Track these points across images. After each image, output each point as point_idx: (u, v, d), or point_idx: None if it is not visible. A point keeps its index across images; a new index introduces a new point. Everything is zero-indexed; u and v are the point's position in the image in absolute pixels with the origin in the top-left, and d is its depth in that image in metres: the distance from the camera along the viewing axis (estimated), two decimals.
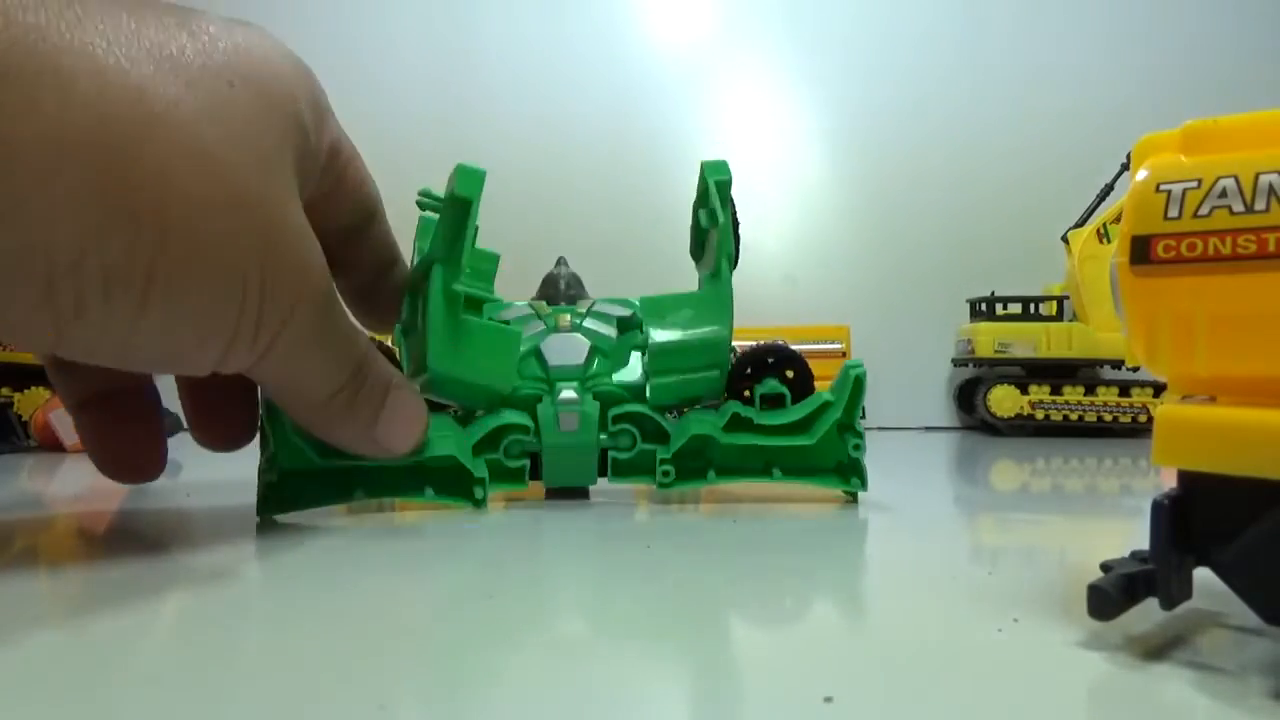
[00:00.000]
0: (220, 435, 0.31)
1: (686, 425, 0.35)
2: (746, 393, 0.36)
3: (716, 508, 0.37)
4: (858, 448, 0.35)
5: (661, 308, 0.38)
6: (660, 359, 0.35)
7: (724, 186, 0.38)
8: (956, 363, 0.89)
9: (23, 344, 0.22)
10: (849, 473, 0.35)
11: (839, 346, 0.86)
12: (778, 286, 0.94)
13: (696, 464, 0.35)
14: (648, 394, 0.35)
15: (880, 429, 0.87)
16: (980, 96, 0.95)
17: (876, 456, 0.65)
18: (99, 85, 0.18)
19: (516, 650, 0.17)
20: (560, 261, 0.43)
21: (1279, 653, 0.16)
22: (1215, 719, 0.13)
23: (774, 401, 0.36)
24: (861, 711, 0.13)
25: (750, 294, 0.93)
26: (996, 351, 0.84)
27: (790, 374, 0.37)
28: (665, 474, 0.34)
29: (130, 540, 0.29)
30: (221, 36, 0.22)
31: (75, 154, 0.18)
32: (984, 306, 0.86)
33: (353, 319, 0.28)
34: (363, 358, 0.27)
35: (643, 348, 0.36)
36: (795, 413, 0.35)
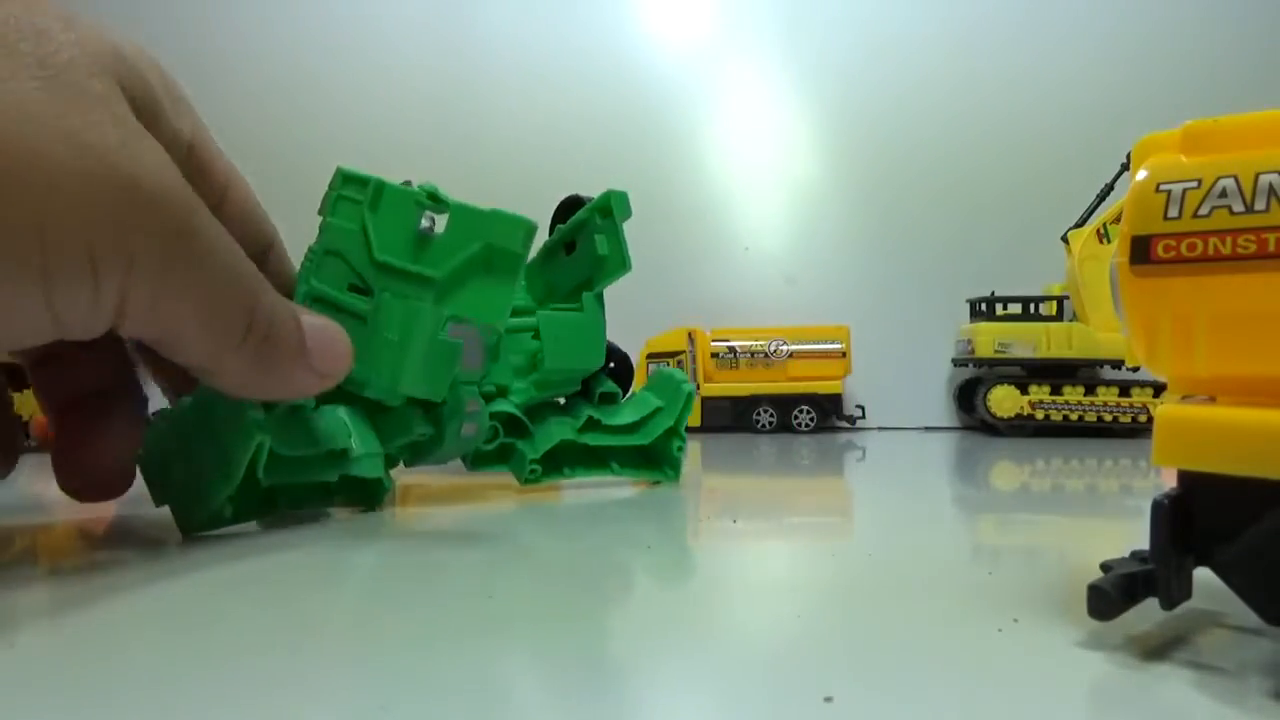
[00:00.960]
0: (89, 478, 0.28)
1: (549, 429, 0.39)
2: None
3: (718, 507, 0.37)
4: (680, 449, 0.41)
5: (555, 327, 0.40)
6: (544, 382, 0.39)
7: (619, 220, 0.43)
8: (956, 363, 0.89)
9: None
10: (666, 465, 0.41)
11: (839, 346, 0.86)
12: (778, 287, 0.94)
13: (552, 460, 0.40)
14: (513, 395, 0.39)
15: (880, 429, 0.87)
16: (980, 96, 0.95)
17: (877, 456, 0.65)
18: None
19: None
20: None
21: (1279, 653, 0.16)
22: (1215, 719, 0.13)
23: (609, 397, 0.42)
24: (861, 711, 0.13)
25: (750, 294, 0.94)
26: (996, 351, 0.84)
27: (612, 365, 0.44)
28: (533, 471, 0.39)
29: (128, 541, 0.29)
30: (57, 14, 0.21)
31: None
32: (984, 306, 0.86)
33: (241, 261, 0.24)
34: (262, 281, 0.24)
35: (527, 361, 0.40)
36: (631, 415, 0.41)
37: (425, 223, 0.30)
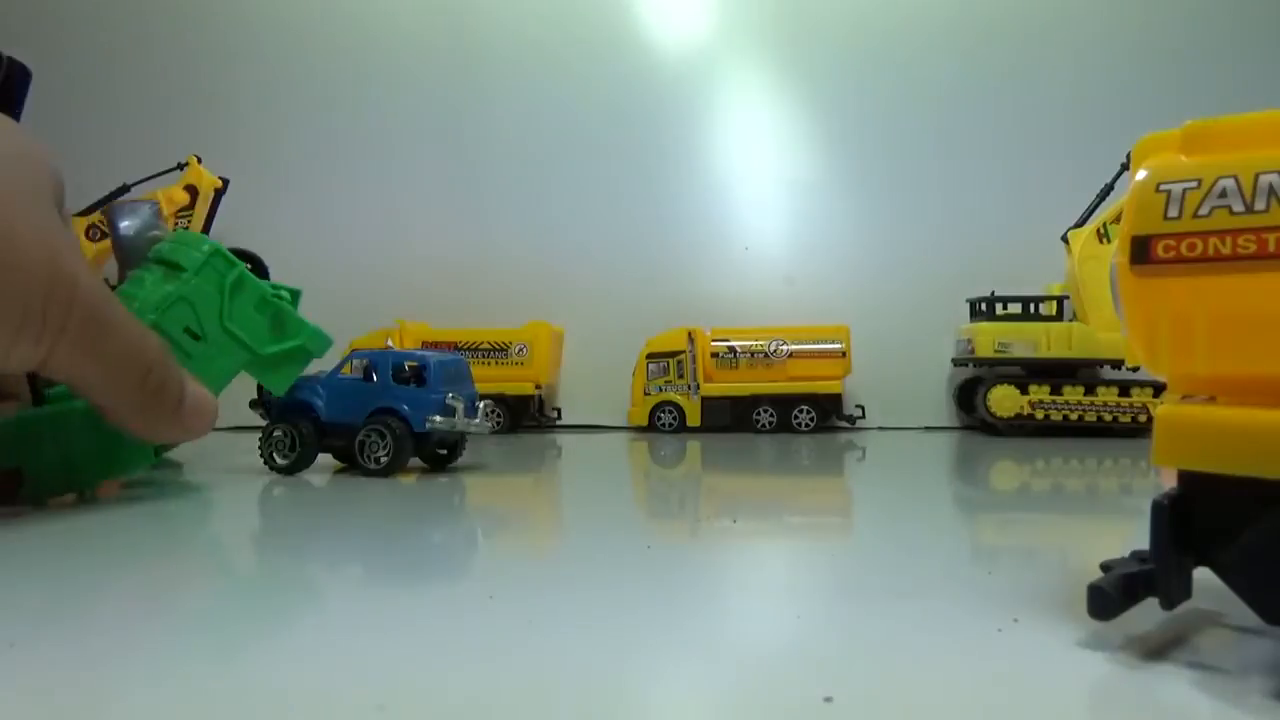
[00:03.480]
0: None
1: None
2: None
3: (718, 507, 0.37)
4: None
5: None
6: None
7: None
8: (956, 363, 0.89)
9: None
10: None
11: (839, 346, 0.86)
12: (778, 287, 0.94)
13: None
14: None
15: (880, 429, 0.87)
16: (980, 96, 0.95)
17: (877, 456, 0.65)
18: None
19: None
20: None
21: (1279, 653, 0.16)
22: (1215, 719, 0.13)
23: None
24: (861, 711, 0.13)
25: (750, 294, 0.94)
26: (996, 351, 0.84)
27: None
28: None
29: (125, 540, 0.29)
30: None
31: None
32: (984, 306, 0.86)
33: (139, 326, 0.33)
34: (158, 356, 0.33)
35: None
36: None
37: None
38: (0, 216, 0.27)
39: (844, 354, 0.86)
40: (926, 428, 0.90)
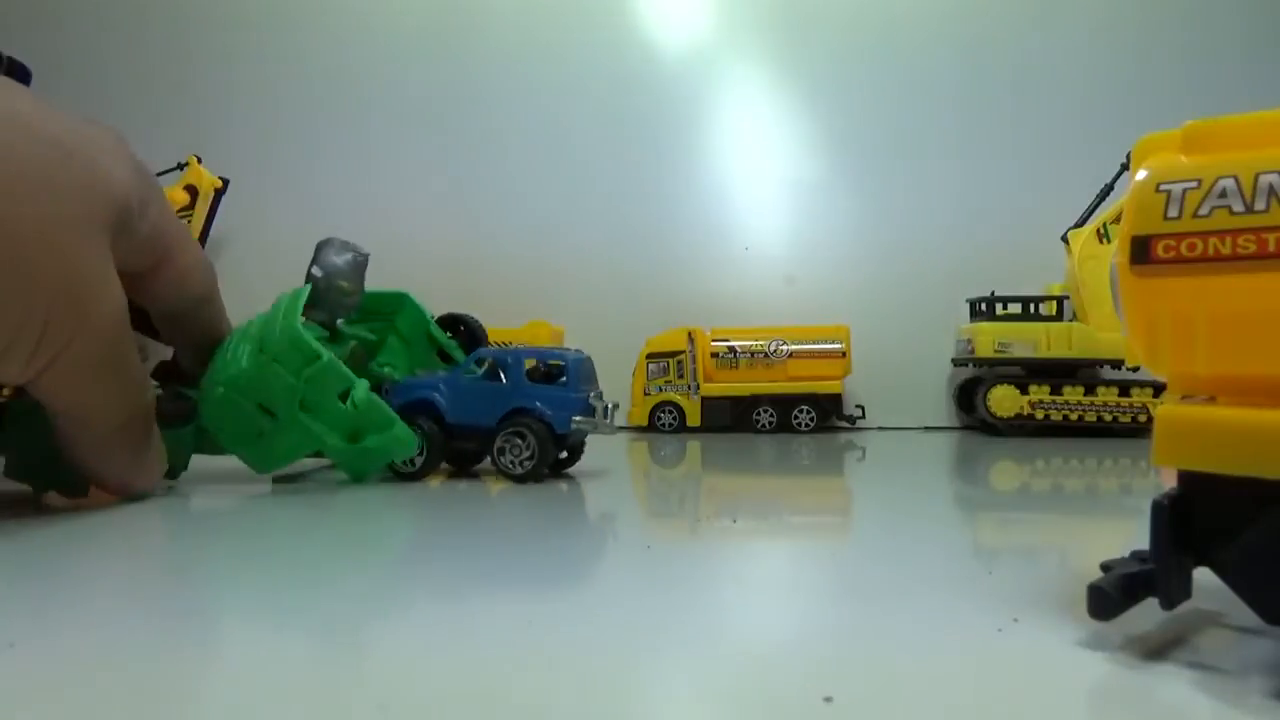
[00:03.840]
0: None
1: None
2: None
3: (718, 506, 0.37)
4: None
5: None
6: None
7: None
8: (956, 363, 0.89)
9: None
10: None
11: (839, 346, 0.86)
12: (778, 287, 0.94)
13: None
14: None
15: (880, 429, 0.87)
16: (980, 97, 0.95)
17: (877, 456, 0.65)
18: None
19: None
20: None
21: (1279, 653, 0.16)
22: (1215, 719, 0.13)
23: None
24: (861, 711, 0.13)
25: (750, 294, 0.94)
26: (996, 351, 0.84)
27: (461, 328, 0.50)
28: None
29: (125, 539, 0.29)
30: (78, 129, 0.30)
31: None
32: (984, 306, 0.86)
33: (140, 377, 0.33)
34: (145, 413, 0.34)
35: None
36: None
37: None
38: (24, 237, 0.27)
39: (844, 354, 0.86)
40: (926, 428, 0.90)
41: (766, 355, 0.86)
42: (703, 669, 0.16)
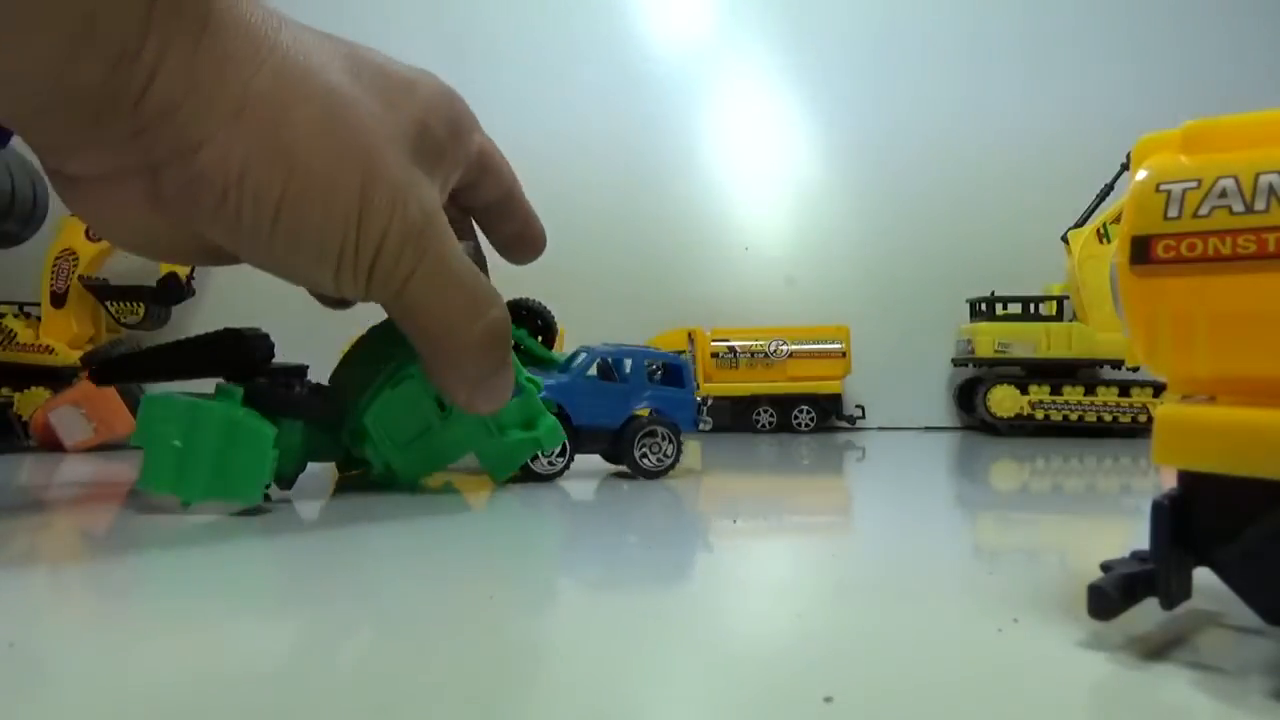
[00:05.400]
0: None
1: None
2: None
3: (718, 507, 0.37)
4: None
5: None
6: None
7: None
8: (956, 363, 0.89)
9: (211, 236, 0.28)
10: None
11: (839, 346, 0.86)
12: (778, 287, 0.94)
13: None
14: None
15: (880, 429, 0.87)
16: (980, 97, 0.95)
17: (877, 456, 0.65)
18: (287, 64, 0.27)
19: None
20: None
21: (1279, 653, 0.16)
22: (1215, 719, 0.13)
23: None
24: (861, 711, 0.13)
25: (750, 294, 0.94)
26: (996, 351, 0.84)
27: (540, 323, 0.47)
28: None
29: (128, 539, 0.29)
30: (393, 64, 0.32)
31: (253, 104, 0.26)
32: (984, 306, 0.86)
33: (488, 289, 0.33)
34: (497, 322, 0.33)
35: None
36: None
37: None
38: (311, 164, 0.27)
39: (844, 354, 0.86)
40: (926, 428, 0.90)
41: (766, 355, 0.86)
42: (702, 669, 0.16)
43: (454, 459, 0.39)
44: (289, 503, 0.34)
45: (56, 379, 0.67)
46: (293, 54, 0.27)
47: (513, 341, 0.37)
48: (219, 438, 0.31)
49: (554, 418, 0.40)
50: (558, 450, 0.42)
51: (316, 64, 0.28)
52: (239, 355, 0.35)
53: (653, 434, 0.44)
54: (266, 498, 0.33)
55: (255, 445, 0.31)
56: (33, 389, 0.66)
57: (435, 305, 0.31)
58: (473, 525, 0.32)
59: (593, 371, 0.45)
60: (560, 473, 0.43)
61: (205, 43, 0.25)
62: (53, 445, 0.60)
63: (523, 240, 0.43)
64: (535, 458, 0.41)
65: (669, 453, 0.44)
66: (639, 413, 0.45)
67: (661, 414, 0.44)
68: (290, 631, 0.18)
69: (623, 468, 0.45)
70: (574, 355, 0.46)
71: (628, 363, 0.45)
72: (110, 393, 0.59)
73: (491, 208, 0.41)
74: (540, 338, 0.45)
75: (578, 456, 0.44)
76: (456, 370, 0.33)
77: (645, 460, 0.44)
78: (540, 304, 0.46)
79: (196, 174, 0.26)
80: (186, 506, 0.31)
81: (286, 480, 0.36)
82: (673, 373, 0.46)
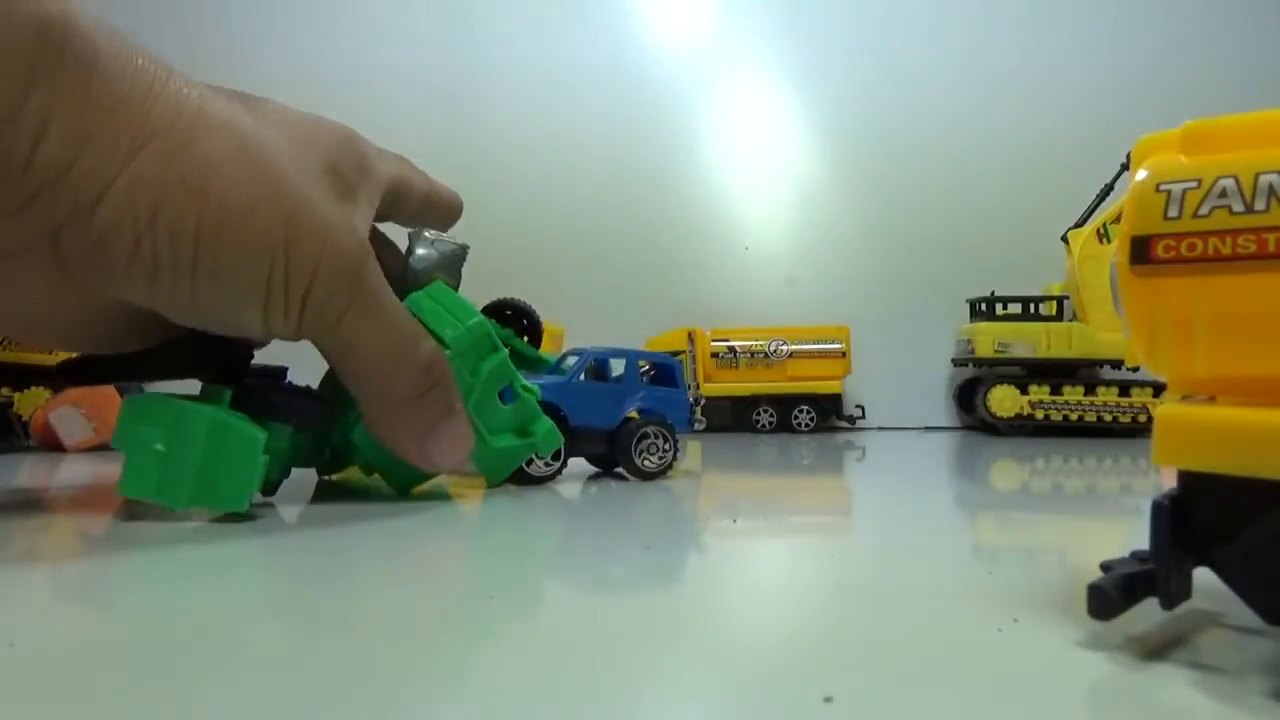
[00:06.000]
0: None
1: None
2: None
3: (718, 506, 0.37)
4: None
5: None
6: None
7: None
8: (956, 363, 0.89)
9: (127, 294, 0.26)
10: None
11: (839, 346, 0.86)
12: (778, 287, 0.94)
13: None
14: None
15: (880, 429, 0.87)
16: (980, 97, 0.95)
17: (877, 456, 0.65)
18: (184, 98, 0.26)
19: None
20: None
21: (1279, 653, 0.16)
22: (1215, 719, 0.13)
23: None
24: (861, 711, 0.13)
25: (750, 294, 0.94)
26: (996, 351, 0.84)
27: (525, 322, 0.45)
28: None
29: (130, 539, 0.29)
30: (290, 109, 0.31)
31: (155, 137, 0.24)
32: (984, 306, 0.86)
33: (414, 320, 0.32)
34: (435, 361, 0.32)
35: None
36: None
37: None
38: (225, 190, 0.25)
39: (844, 354, 0.86)
40: (926, 428, 0.90)
41: (766, 355, 0.86)
42: (702, 669, 0.16)
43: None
44: (272, 506, 0.34)
45: (56, 379, 0.67)
46: (188, 91, 0.26)
47: (501, 342, 0.37)
48: (206, 441, 0.29)
49: (551, 422, 0.40)
50: (552, 457, 0.42)
51: (216, 102, 0.27)
52: (217, 357, 0.33)
53: (648, 435, 0.44)
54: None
55: (245, 450, 0.29)
56: (33, 389, 0.66)
57: (372, 343, 0.30)
58: (472, 526, 0.32)
59: (575, 372, 0.44)
60: (554, 475, 0.43)
61: (94, 90, 0.23)
62: (53, 445, 0.60)
63: (444, 218, 0.43)
64: (530, 461, 0.41)
65: (666, 452, 0.44)
66: (629, 415, 0.45)
67: (652, 414, 0.44)
68: (290, 633, 0.18)
69: (618, 471, 0.45)
70: (564, 357, 0.46)
71: (620, 364, 0.45)
72: (110, 392, 0.59)
73: (414, 219, 0.41)
74: (526, 338, 0.45)
75: (571, 461, 0.44)
76: (403, 421, 0.32)
77: (646, 462, 0.44)
78: (525, 303, 0.45)
79: (103, 227, 0.24)
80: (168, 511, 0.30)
81: (271, 485, 0.35)
82: (664, 373, 0.46)
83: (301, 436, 0.34)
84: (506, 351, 0.37)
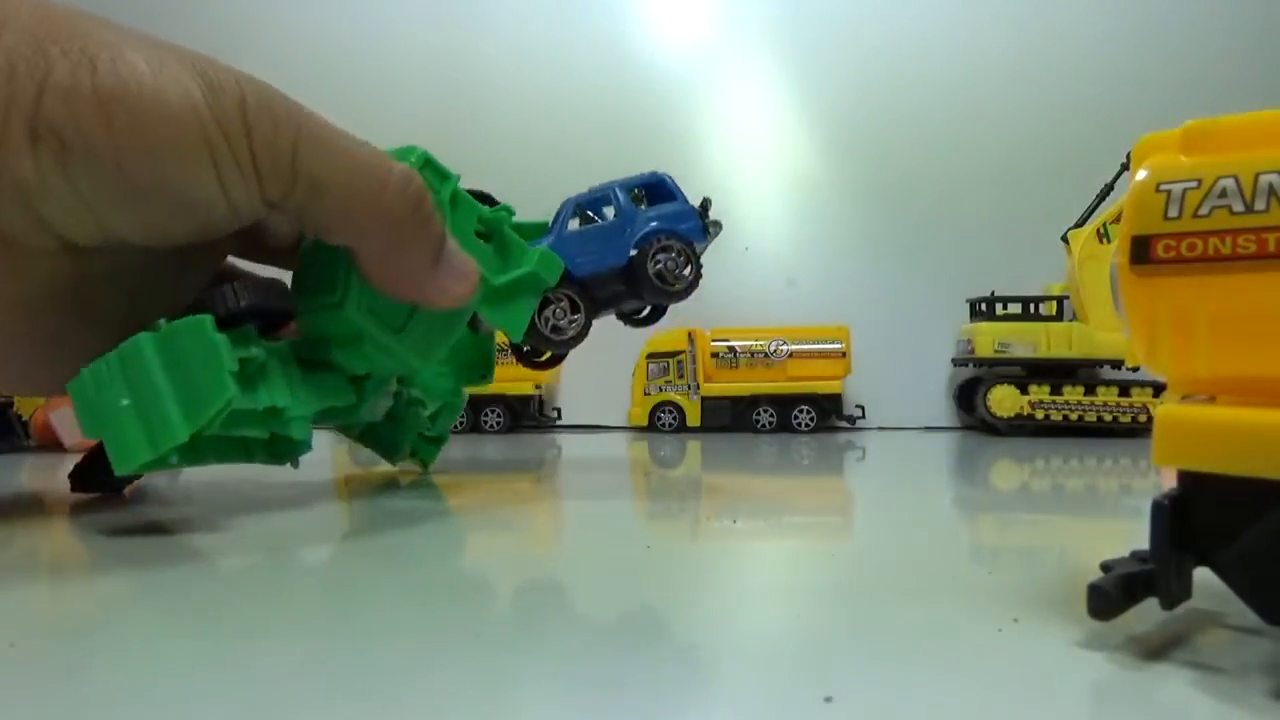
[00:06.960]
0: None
1: None
2: None
3: (718, 507, 0.37)
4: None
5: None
6: None
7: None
8: (956, 363, 0.89)
9: (46, 201, 0.24)
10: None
11: (839, 346, 0.86)
12: (778, 287, 0.94)
13: None
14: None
15: (880, 429, 0.87)
16: (980, 97, 0.95)
17: (877, 456, 0.65)
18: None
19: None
20: None
21: (1279, 653, 0.16)
22: (1215, 719, 0.13)
23: None
24: (861, 711, 0.13)
25: (750, 294, 0.93)
26: (996, 351, 0.84)
27: None
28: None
29: (131, 539, 0.29)
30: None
31: (4, 25, 0.22)
32: (984, 306, 0.86)
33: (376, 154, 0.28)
34: (409, 176, 0.28)
35: None
36: None
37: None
38: (114, 54, 0.23)
39: (844, 354, 0.86)
40: (926, 428, 0.90)
41: (766, 355, 0.86)
42: (702, 668, 0.16)
43: (458, 328, 0.35)
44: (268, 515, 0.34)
45: None
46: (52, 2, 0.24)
47: (490, 226, 0.34)
48: (159, 359, 0.26)
49: (545, 248, 0.36)
50: (569, 311, 0.38)
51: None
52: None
53: (667, 249, 0.40)
54: (294, 464, 0.32)
55: (197, 340, 0.26)
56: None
57: (341, 168, 0.27)
58: (469, 526, 0.32)
59: (576, 224, 0.41)
60: (579, 337, 0.39)
61: None
62: (53, 445, 0.60)
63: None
64: (548, 321, 0.37)
65: (692, 269, 0.40)
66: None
67: (660, 234, 0.40)
68: (288, 634, 0.18)
69: (643, 326, 0.43)
70: (556, 215, 0.42)
71: (609, 211, 0.42)
72: None
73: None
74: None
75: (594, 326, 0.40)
76: (406, 250, 0.29)
77: (662, 282, 0.39)
78: (481, 190, 0.41)
79: None
80: (177, 468, 0.28)
81: (291, 447, 0.32)
82: (657, 190, 0.42)
83: (279, 347, 0.30)
84: (458, 175, 0.34)
